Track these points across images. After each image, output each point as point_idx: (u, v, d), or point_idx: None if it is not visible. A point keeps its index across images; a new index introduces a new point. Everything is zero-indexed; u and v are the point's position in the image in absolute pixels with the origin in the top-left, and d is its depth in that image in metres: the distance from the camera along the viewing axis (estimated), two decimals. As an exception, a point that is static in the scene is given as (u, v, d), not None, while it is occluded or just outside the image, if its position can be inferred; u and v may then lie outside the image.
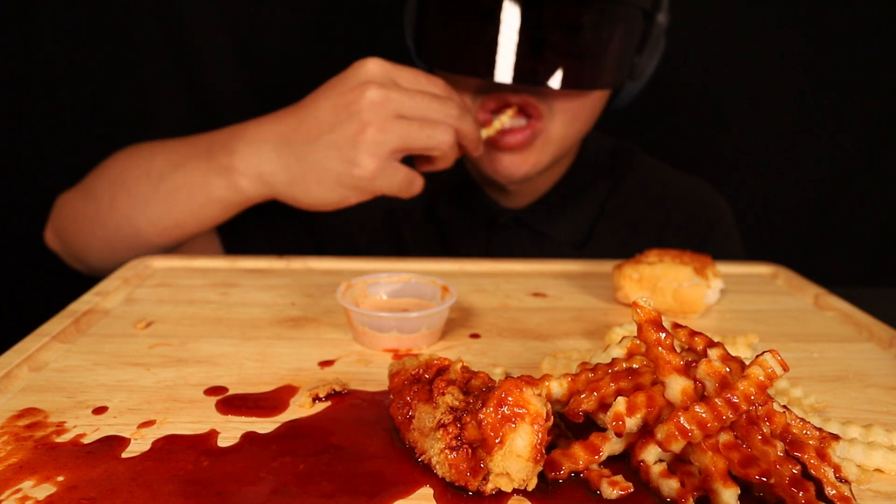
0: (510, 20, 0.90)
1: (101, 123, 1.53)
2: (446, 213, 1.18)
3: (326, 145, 0.80)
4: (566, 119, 0.99)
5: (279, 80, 1.62)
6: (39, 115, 1.55)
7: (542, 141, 0.99)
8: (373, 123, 0.78)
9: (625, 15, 0.96)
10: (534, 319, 0.78)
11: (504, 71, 0.89)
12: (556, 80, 0.91)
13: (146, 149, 0.95)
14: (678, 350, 0.47)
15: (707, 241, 1.20)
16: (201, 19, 1.51)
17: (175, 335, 0.70)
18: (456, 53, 0.95)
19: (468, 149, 0.88)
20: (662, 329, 0.46)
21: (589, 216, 1.19)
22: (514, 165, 1.00)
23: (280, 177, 0.84)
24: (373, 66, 0.81)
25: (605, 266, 0.96)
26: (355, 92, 0.79)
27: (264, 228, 1.11)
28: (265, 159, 0.84)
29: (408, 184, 0.84)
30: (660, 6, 1.01)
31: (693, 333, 0.51)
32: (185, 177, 0.88)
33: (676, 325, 0.52)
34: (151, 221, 0.91)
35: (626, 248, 1.06)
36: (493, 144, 0.98)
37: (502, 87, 0.95)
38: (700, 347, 0.50)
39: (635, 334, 0.62)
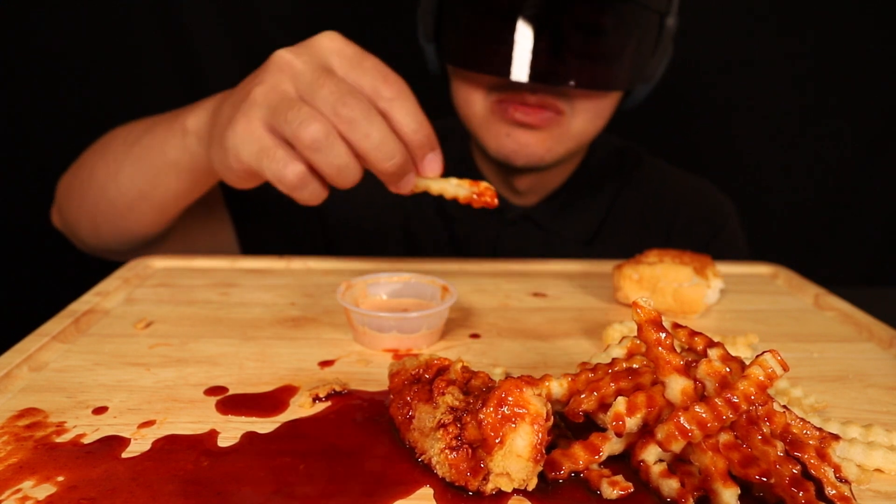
0: (532, 20, 0.90)
1: (100, 123, 1.53)
2: (456, 210, 1.19)
3: (231, 102, 0.71)
4: (588, 117, 1.01)
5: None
6: (39, 114, 1.55)
7: (561, 132, 1.00)
8: (262, 84, 0.66)
9: (642, 17, 0.97)
10: (534, 319, 0.78)
11: (524, 70, 0.90)
12: (573, 81, 0.92)
13: (133, 121, 0.95)
14: (678, 350, 0.47)
15: (713, 242, 1.22)
16: (201, 19, 1.51)
17: (175, 335, 0.70)
18: (477, 52, 0.96)
19: (385, 181, 0.69)
20: (662, 329, 0.46)
21: (597, 215, 1.20)
22: (530, 145, 1.00)
23: (205, 133, 0.76)
24: (323, 41, 0.68)
25: (605, 266, 0.96)
26: (279, 57, 0.67)
27: (277, 223, 1.12)
28: (205, 115, 0.78)
29: (276, 164, 0.64)
30: (671, 9, 1.02)
31: (693, 333, 0.51)
32: (150, 138, 0.86)
33: (676, 325, 0.52)
34: (121, 191, 0.90)
35: (634, 246, 1.06)
36: (509, 120, 0.99)
37: (520, 86, 0.96)
38: (700, 347, 0.50)
39: (634, 333, 0.62)
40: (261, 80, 0.66)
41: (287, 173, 0.64)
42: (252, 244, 1.12)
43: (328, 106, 0.63)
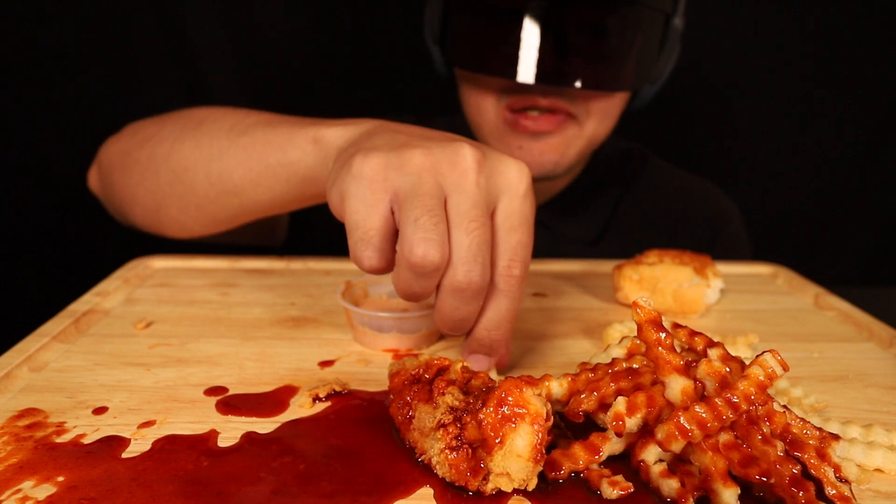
0: (537, 21, 0.90)
1: (100, 123, 1.53)
2: None
3: (386, 141, 0.60)
4: (598, 118, 1.01)
5: (279, 79, 1.62)
6: (39, 115, 1.55)
7: (573, 135, 1.01)
8: (429, 156, 0.56)
9: (648, 18, 0.97)
10: (534, 319, 0.78)
11: (530, 72, 0.90)
12: (580, 81, 0.92)
13: (240, 110, 0.86)
14: (678, 350, 0.47)
15: (716, 242, 1.22)
16: (201, 19, 1.52)
17: (175, 335, 0.70)
18: (483, 54, 0.95)
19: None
20: (662, 329, 0.46)
21: (602, 216, 1.21)
22: (544, 153, 1.00)
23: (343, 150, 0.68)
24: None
25: (605, 266, 0.96)
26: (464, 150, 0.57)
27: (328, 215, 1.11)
28: (350, 134, 0.68)
29: (363, 220, 0.55)
30: (677, 10, 1.02)
31: (693, 333, 0.51)
32: (269, 132, 0.76)
33: (676, 325, 0.52)
34: (210, 180, 0.80)
35: (639, 247, 1.06)
36: (521, 132, 0.98)
37: (530, 88, 0.96)
38: (700, 347, 0.50)
39: (634, 333, 0.62)
40: (429, 150, 0.56)
41: (364, 259, 0.56)
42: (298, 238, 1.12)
43: (463, 223, 0.54)
